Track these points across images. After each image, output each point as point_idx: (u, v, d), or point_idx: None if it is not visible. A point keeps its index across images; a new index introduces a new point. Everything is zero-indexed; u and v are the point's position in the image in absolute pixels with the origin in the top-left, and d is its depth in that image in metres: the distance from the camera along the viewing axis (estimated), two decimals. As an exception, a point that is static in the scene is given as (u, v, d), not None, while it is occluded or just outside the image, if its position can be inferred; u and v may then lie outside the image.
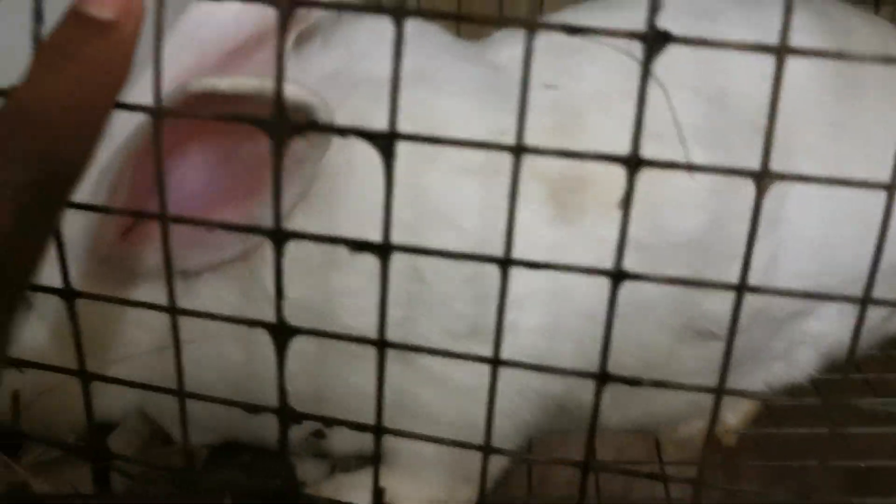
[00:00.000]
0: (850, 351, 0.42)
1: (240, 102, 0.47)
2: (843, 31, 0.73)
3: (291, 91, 0.42)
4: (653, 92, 0.38)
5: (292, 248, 0.41)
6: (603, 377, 0.43)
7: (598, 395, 0.43)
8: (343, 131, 0.40)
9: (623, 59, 0.54)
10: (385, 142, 0.39)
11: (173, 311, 0.45)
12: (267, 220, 0.41)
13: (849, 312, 0.73)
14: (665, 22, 0.36)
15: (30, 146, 0.36)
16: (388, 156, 0.39)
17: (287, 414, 0.46)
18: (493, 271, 0.41)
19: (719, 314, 0.64)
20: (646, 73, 0.37)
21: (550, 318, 0.61)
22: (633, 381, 0.42)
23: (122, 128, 0.48)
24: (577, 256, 0.60)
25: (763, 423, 0.81)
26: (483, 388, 0.45)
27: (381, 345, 0.44)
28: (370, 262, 0.41)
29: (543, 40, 0.39)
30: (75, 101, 0.37)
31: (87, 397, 0.49)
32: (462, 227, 0.59)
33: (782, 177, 0.38)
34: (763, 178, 0.38)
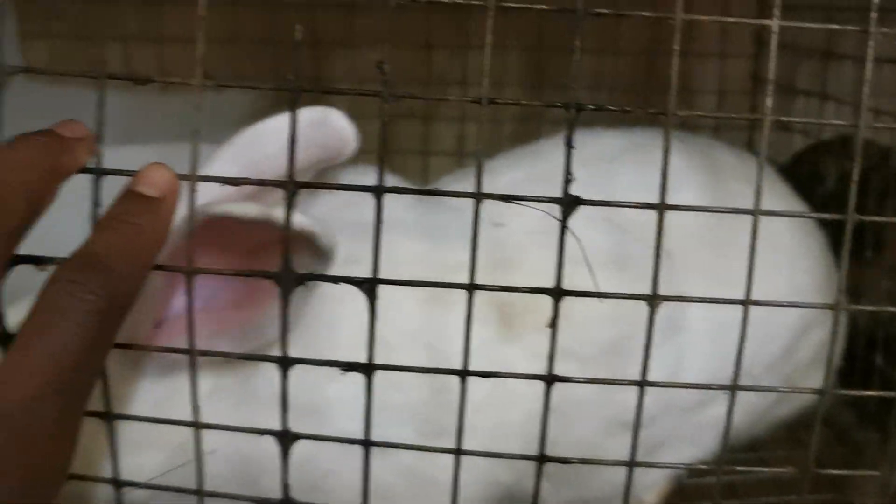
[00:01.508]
0: (725, 431, 0.55)
1: (252, 226, 0.57)
2: (717, 168, 0.90)
3: (299, 220, 0.53)
4: (575, 226, 0.51)
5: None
6: (541, 459, 0.54)
7: (538, 475, 0.55)
8: (335, 279, 0.52)
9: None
10: (368, 286, 0.51)
11: (196, 425, 0.55)
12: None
13: (742, 401, 0.87)
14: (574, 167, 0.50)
15: (95, 281, 0.46)
16: (371, 297, 0.51)
17: (290, 505, 0.56)
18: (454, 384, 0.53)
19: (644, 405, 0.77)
20: (563, 229, 0.50)
21: (501, 420, 0.73)
22: (565, 461, 0.54)
23: None
24: (523, 368, 0.69)
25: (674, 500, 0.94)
26: (448, 479, 0.56)
27: (367, 444, 0.55)
28: (359, 377, 0.53)
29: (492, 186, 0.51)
30: (128, 255, 0.48)
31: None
32: (433, 347, 0.72)
33: (668, 298, 0.52)
34: (654, 300, 0.51)
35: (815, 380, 0.85)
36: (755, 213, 0.52)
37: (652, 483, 0.91)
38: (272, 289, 0.51)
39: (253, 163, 0.71)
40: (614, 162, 0.86)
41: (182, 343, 0.54)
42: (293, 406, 0.53)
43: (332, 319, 0.69)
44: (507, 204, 0.78)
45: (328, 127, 0.74)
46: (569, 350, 0.69)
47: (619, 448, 0.79)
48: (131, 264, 0.48)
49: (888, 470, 0.56)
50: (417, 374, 0.56)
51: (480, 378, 0.53)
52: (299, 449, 0.54)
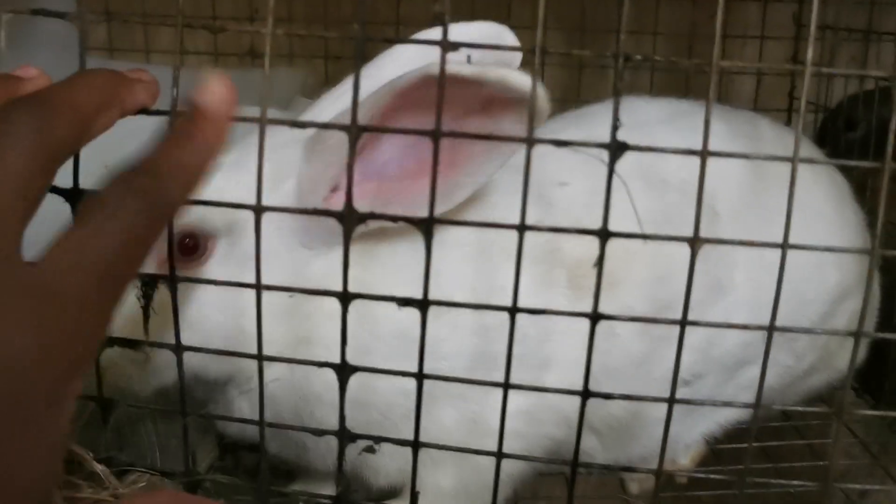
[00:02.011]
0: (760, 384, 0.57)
1: (473, 85, 0.60)
2: (754, 136, 0.92)
3: (517, 79, 0.58)
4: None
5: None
6: (585, 394, 0.58)
7: (582, 409, 0.58)
8: (395, 218, 0.55)
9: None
10: (426, 225, 0.55)
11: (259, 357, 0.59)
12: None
13: (777, 363, 0.90)
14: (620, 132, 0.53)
15: (153, 189, 0.49)
16: (427, 237, 0.55)
17: (346, 435, 0.60)
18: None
19: (687, 363, 0.80)
20: (611, 172, 0.53)
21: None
22: (608, 396, 0.57)
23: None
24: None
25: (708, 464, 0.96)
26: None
27: (420, 376, 0.58)
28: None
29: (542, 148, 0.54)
30: (185, 170, 0.51)
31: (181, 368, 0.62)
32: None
33: (708, 240, 0.54)
34: (695, 242, 0.54)
35: (849, 351, 0.87)
36: (794, 160, 0.54)
37: (689, 445, 0.93)
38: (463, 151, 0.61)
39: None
40: (658, 126, 0.88)
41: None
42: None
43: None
44: (572, 164, 0.83)
45: (502, 41, 0.80)
46: (629, 307, 0.78)
47: (664, 406, 0.82)
48: (187, 178, 0.51)
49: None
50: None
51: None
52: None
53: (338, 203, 0.67)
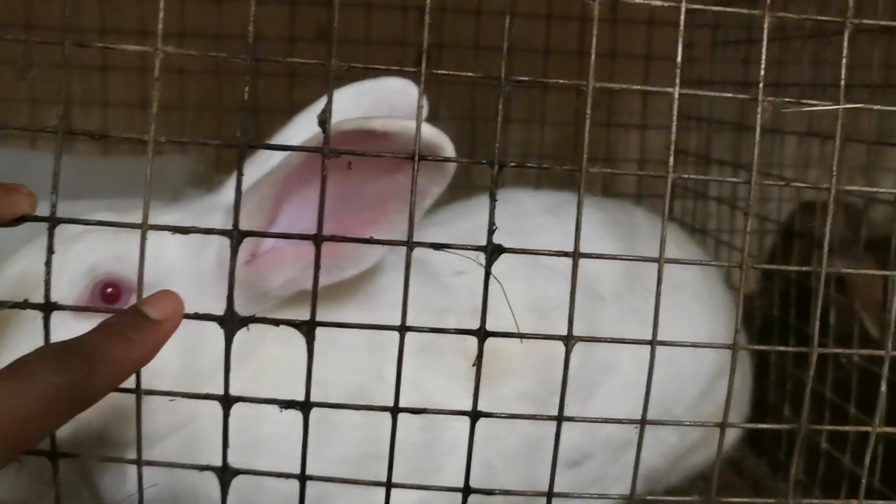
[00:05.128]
0: (636, 462, 0.59)
1: (383, 139, 0.62)
2: (630, 224, 0.97)
3: (427, 130, 0.59)
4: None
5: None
6: (466, 490, 0.59)
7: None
8: (277, 322, 0.56)
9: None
10: (307, 328, 0.55)
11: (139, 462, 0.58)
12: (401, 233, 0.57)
13: (662, 443, 0.94)
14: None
15: (74, 368, 0.50)
16: (309, 339, 0.55)
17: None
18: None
19: (577, 443, 0.86)
20: (488, 275, 0.55)
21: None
22: (489, 492, 0.58)
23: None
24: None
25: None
26: None
27: (303, 477, 0.58)
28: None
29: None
30: (112, 361, 0.52)
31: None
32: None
33: (582, 339, 0.57)
34: (569, 339, 0.56)
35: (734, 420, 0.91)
36: (660, 261, 0.57)
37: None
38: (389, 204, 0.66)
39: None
40: (540, 216, 0.92)
41: (275, 273, 0.68)
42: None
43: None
44: (467, 256, 0.86)
45: (407, 95, 0.81)
46: (528, 393, 0.81)
47: (565, 481, 0.83)
48: (111, 367, 0.52)
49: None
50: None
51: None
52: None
53: (260, 268, 0.72)
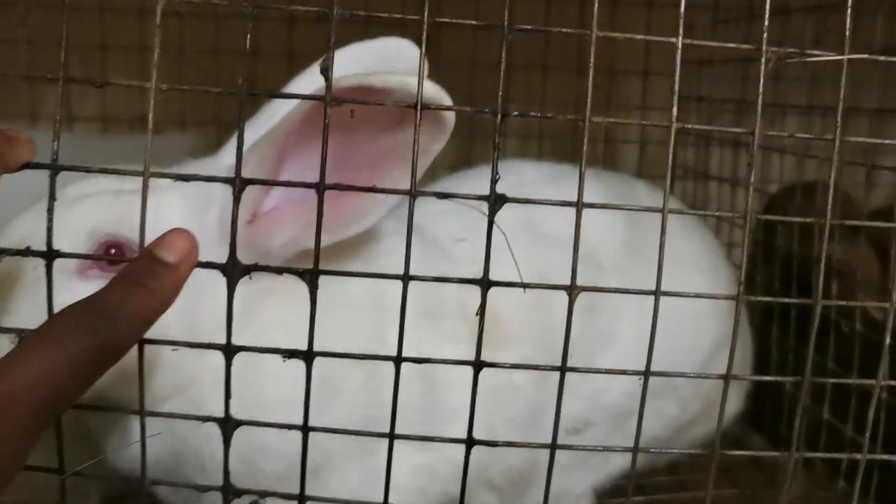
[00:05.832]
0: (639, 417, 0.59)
1: (382, 95, 0.62)
2: (630, 196, 0.98)
3: (427, 84, 0.58)
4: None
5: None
6: (469, 442, 0.58)
7: (467, 456, 0.59)
8: (280, 270, 0.56)
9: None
10: (310, 277, 0.55)
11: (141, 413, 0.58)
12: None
13: (664, 414, 0.95)
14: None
15: (97, 327, 0.50)
16: (312, 287, 0.55)
17: (230, 490, 0.59)
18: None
19: (578, 411, 0.87)
20: (491, 223, 0.55)
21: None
22: (491, 443, 0.58)
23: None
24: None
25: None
26: None
27: (305, 429, 0.58)
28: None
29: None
30: (133, 313, 0.52)
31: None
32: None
33: (585, 288, 0.56)
34: (573, 289, 0.56)
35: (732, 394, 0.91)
36: (663, 211, 0.57)
37: (579, 496, 0.95)
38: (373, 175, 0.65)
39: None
40: (541, 185, 0.92)
41: (276, 232, 0.69)
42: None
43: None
44: (467, 221, 0.85)
45: (404, 56, 0.81)
46: (530, 359, 0.80)
47: (563, 455, 0.83)
48: (134, 322, 0.52)
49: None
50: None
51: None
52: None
53: (261, 227, 0.72)
